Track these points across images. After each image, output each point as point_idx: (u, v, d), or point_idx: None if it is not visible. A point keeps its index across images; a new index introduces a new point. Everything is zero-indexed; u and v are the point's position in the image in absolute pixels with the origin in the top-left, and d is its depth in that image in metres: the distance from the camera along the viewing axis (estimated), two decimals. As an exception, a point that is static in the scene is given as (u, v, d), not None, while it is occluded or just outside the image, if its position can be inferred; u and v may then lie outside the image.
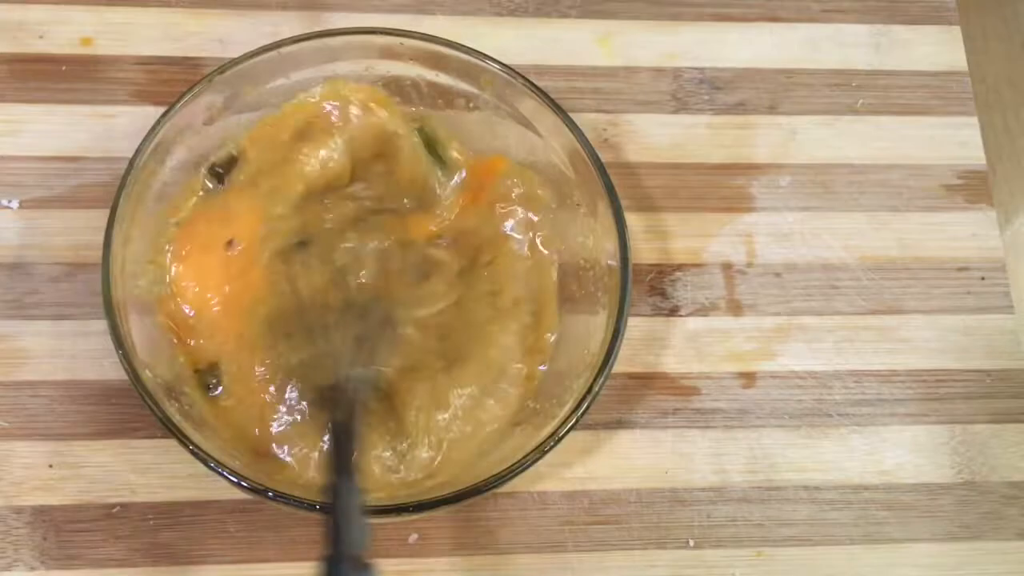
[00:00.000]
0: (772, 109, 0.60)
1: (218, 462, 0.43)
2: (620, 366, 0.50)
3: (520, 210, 0.52)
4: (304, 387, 0.48)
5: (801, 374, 0.55)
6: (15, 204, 0.54)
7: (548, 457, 0.45)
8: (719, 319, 0.56)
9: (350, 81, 0.52)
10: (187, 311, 0.49)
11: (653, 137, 0.59)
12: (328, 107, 0.52)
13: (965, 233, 0.59)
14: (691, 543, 0.52)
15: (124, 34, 0.58)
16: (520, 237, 0.52)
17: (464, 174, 0.53)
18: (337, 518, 0.40)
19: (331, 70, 0.52)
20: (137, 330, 0.47)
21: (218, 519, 0.50)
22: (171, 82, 0.57)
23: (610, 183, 0.49)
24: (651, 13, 0.62)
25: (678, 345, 0.55)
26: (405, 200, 0.52)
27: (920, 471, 0.54)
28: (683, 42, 0.61)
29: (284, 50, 0.50)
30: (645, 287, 0.56)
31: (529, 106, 0.51)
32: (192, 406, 0.47)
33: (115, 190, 0.47)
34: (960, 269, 0.58)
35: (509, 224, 0.52)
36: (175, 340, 0.49)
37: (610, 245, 0.48)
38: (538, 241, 0.52)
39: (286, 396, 0.48)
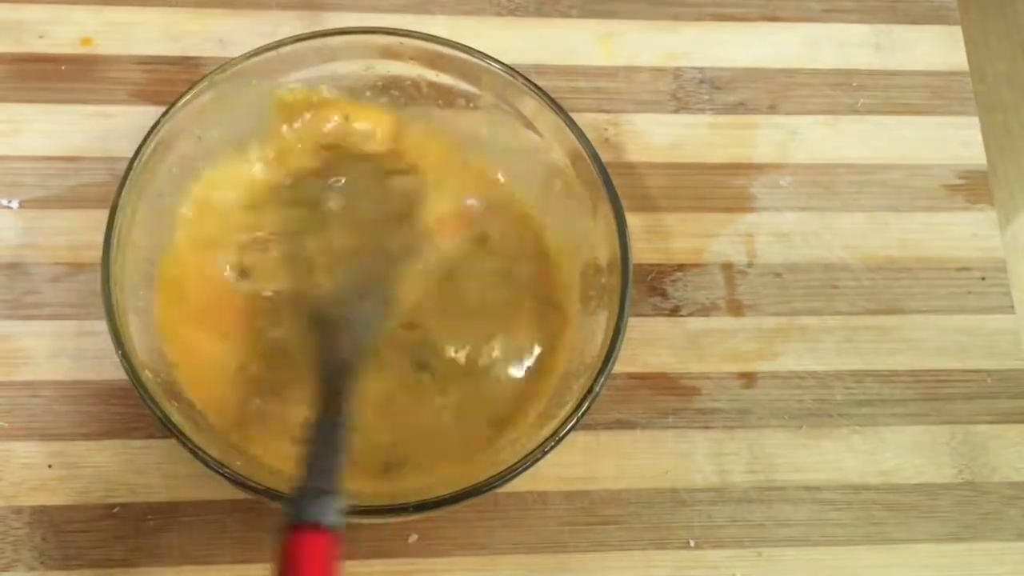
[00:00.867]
0: (772, 109, 0.60)
1: (218, 462, 0.43)
2: (620, 366, 0.50)
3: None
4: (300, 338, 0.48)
5: (801, 374, 0.55)
6: (15, 204, 0.54)
7: (548, 457, 0.45)
8: (719, 319, 0.56)
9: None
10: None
11: (653, 137, 0.59)
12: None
13: (966, 233, 0.59)
14: (691, 543, 0.51)
15: (124, 34, 0.58)
16: None
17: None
18: (309, 454, 0.40)
19: (331, 70, 0.52)
20: (137, 330, 0.47)
21: (218, 519, 0.50)
22: (171, 82, 0.56)
23: (610, 183, 0.49)
24: (651, 13, 0.62)
25: (678, 345, 0.55)
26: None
27: (920, 471, 0.54)
28: (683, 42, 0.61)
29: (284, 50, 0.50)
30: (645, 287, 0.56)
31: (529, 106, 0.51)
32: (192, 406, 0.47)
33: (115, 190, 0.47)
34: (961, 269, 0.58)
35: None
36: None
37: (610, 245, 0.48)
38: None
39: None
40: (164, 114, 0.48)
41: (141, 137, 0.48)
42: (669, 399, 0.54)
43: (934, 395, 0.55)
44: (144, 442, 0.50)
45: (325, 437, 0.41)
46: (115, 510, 0.49)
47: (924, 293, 0.57)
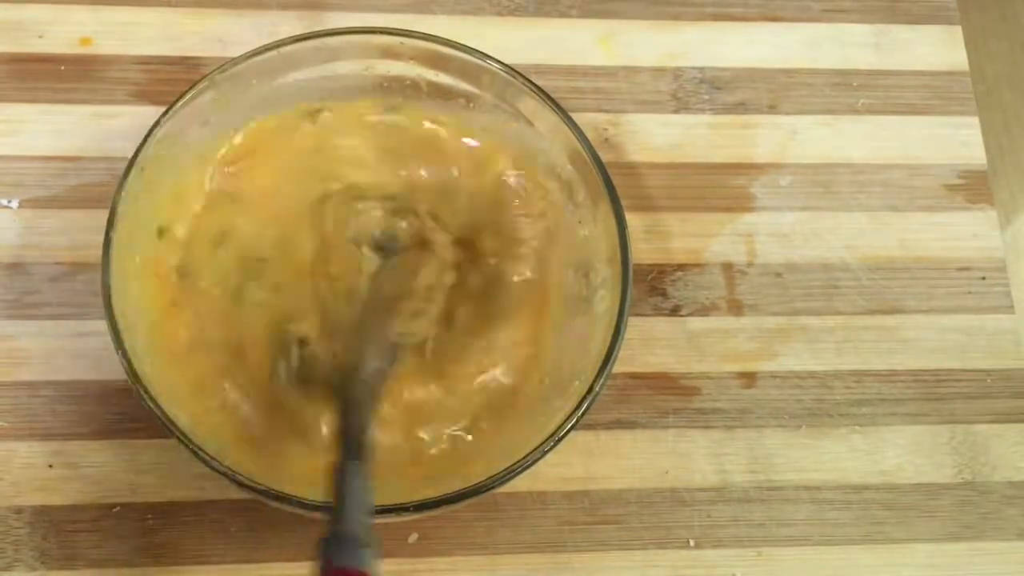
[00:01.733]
0: (772, 109, 0.60)
1: (218, 462, 0.43)
2: (620, 366, 0.50)
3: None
4: (310, 370, 0.48)
5: (801, 374, 0.55)
6: (15, 204, 0.54)
7: (548, 457, 0.45)
8: (719, 319, 0.56)
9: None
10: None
11: (653, 137, 0.59)
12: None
13: (966, 233, 0.59)
14: (691, 543, 0.51)
15: (123, 34, 0.58)
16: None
17: None
18: (338, 499, 0.40)
19: (331, 70, 0.52)
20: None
21: (218, 519, 0.50)
22: (171, 82, 0.56)
23: (610, 183, 0.49)
24: (651, 13, 0.62)
25: (678, 345, 0.55)
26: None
27: (920, 471, 0.54)
28: (683, 42, 0.61)
29: (284, 50, 0.50)
30: (645, 287, 0.56)
31: (529, 106, 0.51)
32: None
33: (114, 190, 0.47)
34: (961, 269, 0.58)
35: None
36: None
37: (610, 245, 0.48)
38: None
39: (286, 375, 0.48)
40: (164, 114, 0.48)
41: (141, 137, 0.48)
42: (669, 399, 0.54)
43: (934, 395, 0.55)
44: (144, 442, 0.50)
45: (352, 479, 0.41)
46: (115, 510, 0.49)
47: (924, 293, 0.57)
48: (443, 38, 0.51)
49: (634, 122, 0.59)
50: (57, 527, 0.49)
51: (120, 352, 0.44)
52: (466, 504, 0.45)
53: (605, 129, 0.59)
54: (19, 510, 0.49)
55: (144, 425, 0.50)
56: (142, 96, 0.57)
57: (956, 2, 0.63)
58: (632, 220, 0.49)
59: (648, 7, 0.62)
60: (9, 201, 0.54)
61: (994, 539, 0.53)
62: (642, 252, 0.56)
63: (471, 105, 0.52)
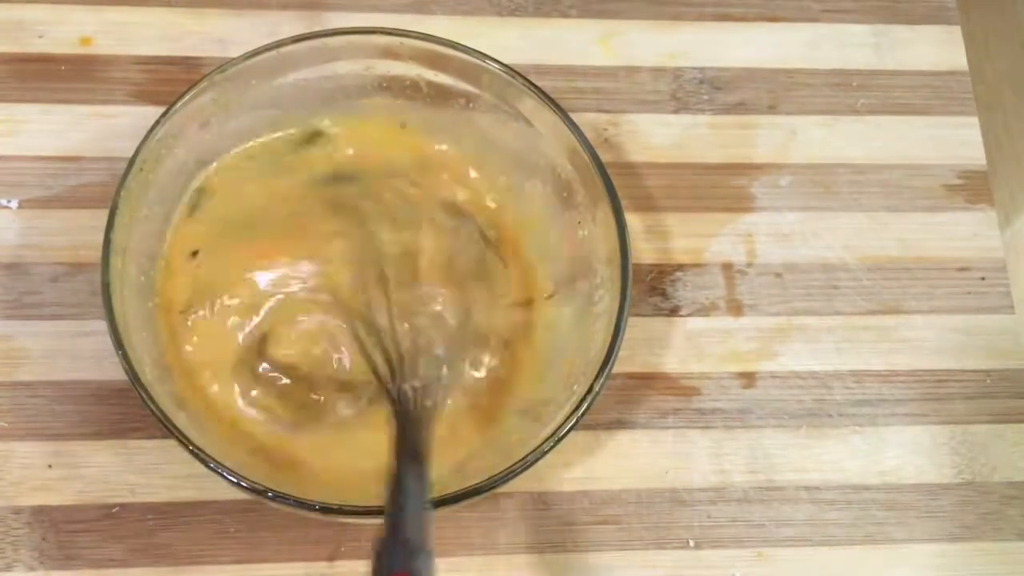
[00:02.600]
0: (772, 109, 0.60)
1: (218, 462, 0.43)
2: (620, 366, 0.50)
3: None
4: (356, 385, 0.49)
5: (801, 374, 0.55)
6: (14, 204, 0.54)
7: (548, 457, 0.45)
8: (719, 319, 0.56)
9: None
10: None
11: (653, 137, 0.59)
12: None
13: (965, 233, 0.59)
14: (691, 543, 0.51)
15: (123, 34, 0.58)
16: None
17: None
18: (395, 504, 0.40)
19: (331, 70, 0.52)
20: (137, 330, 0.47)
21: (218, 519, 0.50)
22: (171, 82, 0.56)
23: (610, 183, 0.49)
24: (651, 13, 0.62)
25: (678, 345, 0.55)
26: None
27: (920, 471, 0.54)
28: (683, 42, 0.61)
29: (284, 50, 0.50)
30: (645, 287, 0.56)
31: (529, 106, 0.51)
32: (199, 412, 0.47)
33: (114, 190, 0.47)
34: (960, 269, 0.58)
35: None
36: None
37: (610, 245, 0.48)
38: None
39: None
40: (164, 114, 0.48)
41: (141, 137, 0.48)
42: (669, 399, 0.54)
43: (934, 395, 0.55)
44: (144, 442, 0.50)
45: (410, 484, 0.41)
46: (115, 510, 0.49)
47: (924, 293, 0.57)
48: (443, 38, 0.51)
49: (634, 122, 0.59)
50: (56, 527, 0.49)
51: (120, 352, 0.44)
52: (466, 504, 0.45)
53: (605, 129, 0.59)
54: (18, 510, 0.49)
55: (144, 425, 0.50)
56: (142, 96, 0.56)
57: (956, 2, 0.63)
58: (632, 220, 0.49)
59: (648, 7, 0.62)
60: (9, 201, 0.54)
61: (994, 539, 0.53)
62: (642, 252, 0.56)
63: (471, 105, 0.52)
